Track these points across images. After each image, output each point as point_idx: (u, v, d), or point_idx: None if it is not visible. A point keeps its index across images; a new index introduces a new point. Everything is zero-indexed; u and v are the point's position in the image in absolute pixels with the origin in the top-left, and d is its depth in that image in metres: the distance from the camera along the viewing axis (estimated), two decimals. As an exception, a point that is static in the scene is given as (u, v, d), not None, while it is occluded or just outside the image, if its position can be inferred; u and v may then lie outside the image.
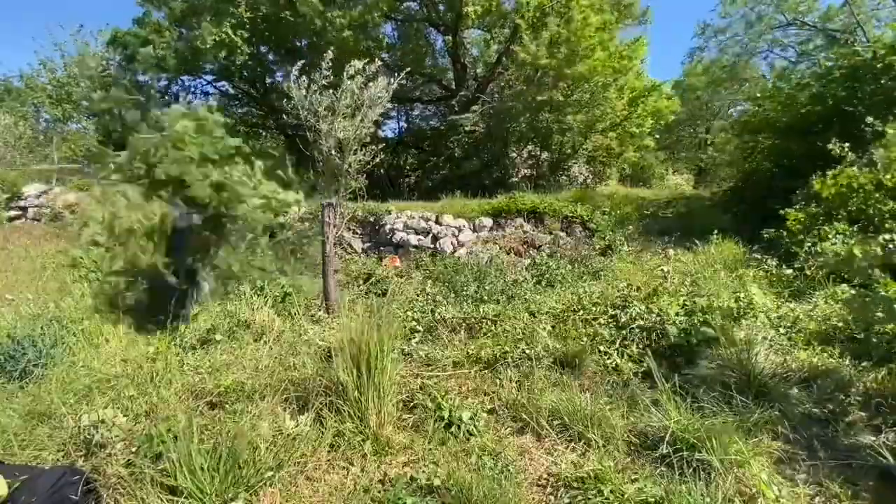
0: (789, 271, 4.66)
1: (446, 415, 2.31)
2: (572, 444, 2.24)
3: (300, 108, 3.71)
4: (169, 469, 1.75)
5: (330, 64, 3.69)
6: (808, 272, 4.56)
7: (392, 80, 3.95)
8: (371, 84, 3.80)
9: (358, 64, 3.73)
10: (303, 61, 3.86)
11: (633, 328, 3.25)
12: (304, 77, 3.74)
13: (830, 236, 4.71)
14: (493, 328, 3.49)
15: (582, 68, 10.24)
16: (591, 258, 6.45)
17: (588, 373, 2.89)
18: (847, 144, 5.37)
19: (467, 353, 3.09)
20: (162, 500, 1.70)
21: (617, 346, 3.15)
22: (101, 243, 2.63)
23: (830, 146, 5.32)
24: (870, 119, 5.46)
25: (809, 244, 4.83)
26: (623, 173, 15.39)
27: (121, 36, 12.24)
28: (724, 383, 2.52)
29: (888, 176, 4.54)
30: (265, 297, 4.35)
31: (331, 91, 3.72)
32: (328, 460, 2.07)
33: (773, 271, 4.85)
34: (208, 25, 10.08)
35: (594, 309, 3.71)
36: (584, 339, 3.15)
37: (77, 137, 14.03)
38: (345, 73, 3.72)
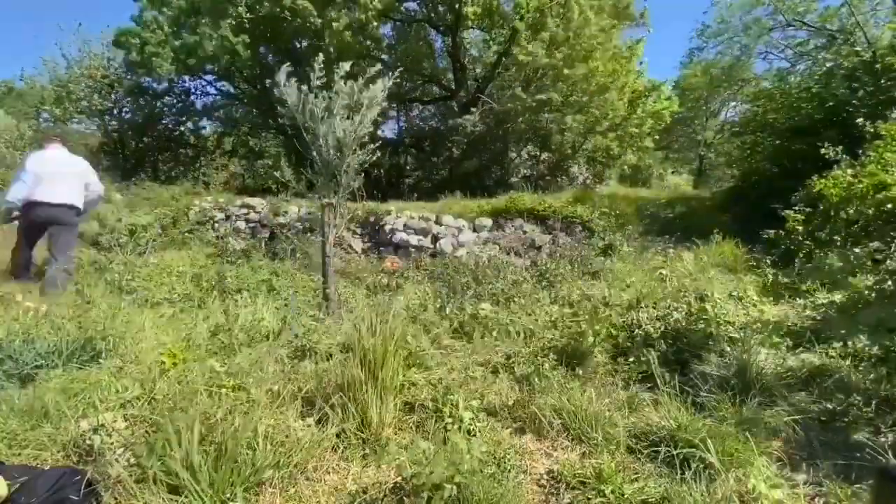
0: (789, 273, 4.66)
1: (447, 415, 2.31)
2: (573, 443, 2.24)
3: (294, 111, 3.70)
4: (171, 469, 1.74)
5: (322, 66, 3.66)
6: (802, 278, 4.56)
7: (388, 77, 3.93)
8: (371, 86, 3.80)
9: (346, 66, 3.71)
10: (291, 68, 3.82)
11: (633, 328, 3.25)
12: (294, 79, 3.70)
13: (825, 241, 4.71)
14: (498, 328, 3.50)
15: (581, 69, 10.25)
16: (591, 259, 6.45)
17: (588, 373, 2.89)
18: (840, 147, 5.37)
19: (471, 354, 3.09)
20: (163, 499, 1.69)
21: (618, 346, 3.16)
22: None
23: (823, 150, 5.33)
24: (860, 121, 5.47)
25: (805, 251, 4.83)
26: (623, 173, 15.42)
27: (123, 37, 12.26)
28: (724, 383, 2.52)
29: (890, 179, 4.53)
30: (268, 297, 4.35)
31: (324, 92, 3.70)
32: (329, 460, 2.07)
33: (773, 272, 4.86)
34: (206, 29, 10.08)
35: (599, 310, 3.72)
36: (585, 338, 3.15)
37: (78, 137, 14.00)
38: (335, 75, 3.69)
